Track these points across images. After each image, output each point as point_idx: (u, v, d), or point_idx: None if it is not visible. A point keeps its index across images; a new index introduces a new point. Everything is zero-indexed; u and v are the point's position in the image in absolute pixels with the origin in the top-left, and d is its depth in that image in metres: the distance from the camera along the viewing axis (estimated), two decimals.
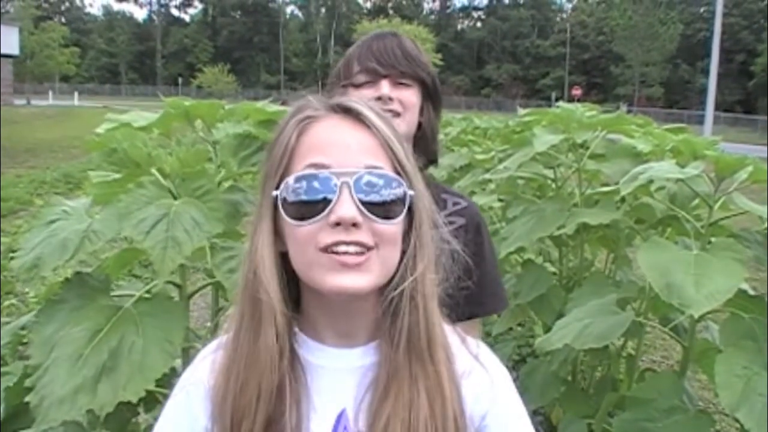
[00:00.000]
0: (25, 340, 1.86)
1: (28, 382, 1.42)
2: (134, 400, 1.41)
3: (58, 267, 1.57)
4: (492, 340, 3.56)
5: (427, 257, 0.88)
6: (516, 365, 3.63)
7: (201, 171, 1.68)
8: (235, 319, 0.89)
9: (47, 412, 1.37)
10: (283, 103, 2.29)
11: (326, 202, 0.82)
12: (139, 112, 2.08)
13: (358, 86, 1.46)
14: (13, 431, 1.67)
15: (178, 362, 1.75)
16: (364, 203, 0.82)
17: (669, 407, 1.84)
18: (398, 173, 0.86)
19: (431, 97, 1.52)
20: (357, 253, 0.81)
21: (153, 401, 1.85)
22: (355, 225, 0.81)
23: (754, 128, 41.96)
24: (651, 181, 2.08)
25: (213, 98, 2.32)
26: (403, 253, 0.88)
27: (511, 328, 3.86)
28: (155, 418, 2.05)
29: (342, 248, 0.81)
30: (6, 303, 4.33)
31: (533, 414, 3.16)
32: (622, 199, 2.49)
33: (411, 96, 1.46)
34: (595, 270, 3.19)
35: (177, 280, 1.77)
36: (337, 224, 0.81)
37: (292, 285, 0.89)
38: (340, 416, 0.88)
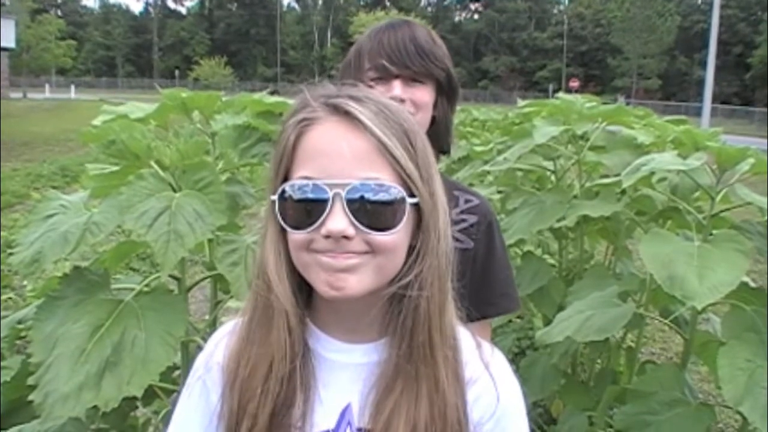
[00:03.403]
0: (23, 334, 1.84)
1: (31, 380, 1.41)
2: (139, 395, 1.41)
3: (58, 260, 1.56)
4: (491, 333, 3.55)
5: (431, 260, 0.86)
6: (516, 358, 3.62)
7: (202, 163, 1.67)
8: (249, 309, 0.90)
9: (51, 409, 1.36)
10: (273, 93, 2.26)
11: (319, 213, 0.81)
12: (136, 103, 2.06)
13: (368, 83, 1.37)
14: (13, 425, 1.66)
15: (177, 356, 1.74)
16: (356, 215, 0.81)
17: (671, 400, 1.84)
18: (402, 178, 0.83)
19: (446, 91, 1.44)
20: (347, 256, 0.81)
21: (151, 395, 1.84)
22: (346, 237, 0.81)
23: (751, 120, 41.94)
24: (653, 173, 2.07)
25: (210, 90, 2.29)
26: (412, 249, 0.86)
27: (510, 320, 3.85)
28: (154, 413, 2.03)
29: (330, 254, 0.82)
30: (4, 297, 4.32)
31: (533, 406, 3.16)
32: (623, 191, 2.48)
33: (424, 95, 1.38)
34: (596, 262, 3.18)
35: (176, 273, 1.76)
36: (329, 236, 0.81)
37: (304, 280, 0.88)
38: (345, 410, 0.88)
